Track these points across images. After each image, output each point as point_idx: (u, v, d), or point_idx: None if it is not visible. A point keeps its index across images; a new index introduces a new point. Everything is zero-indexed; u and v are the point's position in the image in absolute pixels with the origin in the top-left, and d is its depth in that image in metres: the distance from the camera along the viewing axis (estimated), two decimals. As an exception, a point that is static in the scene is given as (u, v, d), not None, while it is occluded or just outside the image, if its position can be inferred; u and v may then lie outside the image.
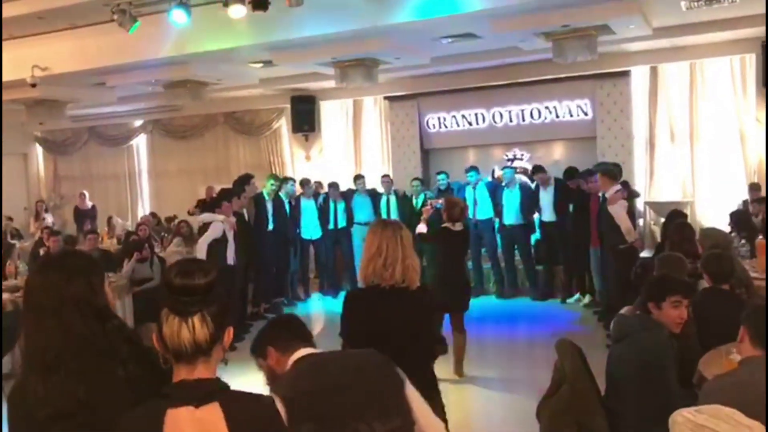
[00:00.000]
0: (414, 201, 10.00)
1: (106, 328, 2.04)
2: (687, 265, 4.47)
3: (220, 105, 12.39)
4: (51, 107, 10.53)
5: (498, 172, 10.71)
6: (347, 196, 10.38)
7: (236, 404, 1.73)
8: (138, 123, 14.10)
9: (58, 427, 1.90)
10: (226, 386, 1.77)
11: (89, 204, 13.08)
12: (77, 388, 1.91)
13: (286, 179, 10.13)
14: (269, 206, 9.32)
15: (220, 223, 7.35)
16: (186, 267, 1.75)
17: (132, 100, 11.87)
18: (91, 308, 2.04)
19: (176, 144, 13.70)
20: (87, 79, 9.62)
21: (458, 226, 6.09)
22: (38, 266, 2.21)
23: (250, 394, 1.81)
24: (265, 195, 9.38)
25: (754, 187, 9.00)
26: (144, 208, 14.08)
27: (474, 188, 9.78)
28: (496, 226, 9.79)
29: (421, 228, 6.19)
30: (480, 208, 9.70)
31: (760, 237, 6.31)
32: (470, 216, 9.46)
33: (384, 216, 10.03)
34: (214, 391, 1.72)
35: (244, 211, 8.47)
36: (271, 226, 9.29)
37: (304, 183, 10.42)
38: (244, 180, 8.89)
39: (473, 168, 9.94)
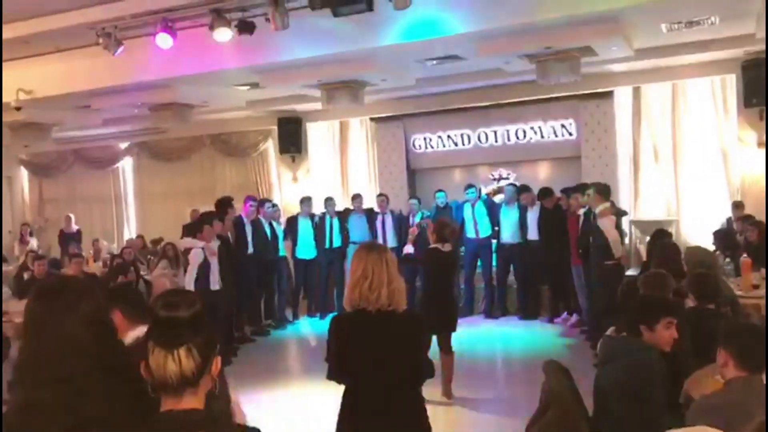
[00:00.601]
0: (410, 220, 9.97)
1: (116, 346, 2.05)
2: (672, 282, 4.48)
3: (206, 127, 12.38)
4: (36, 130, 10.49)
5: (485, 190, 10.78)
6: (343, 215, 10.35)
7: None
8: (124, 145, 14.06)
9: None
10: (213, 417, 1.76)
11: (75, 227, 12.98)
12: (88, 404, 1.90)
13: (263, 201, 10.06)
14: (248, 229, 9.26)
15: (199, 250, 7.27)
16: (171, 299, 1.75)
17: (117, 123, 11.85)
18: (103, 327, 2.07)
19: (162, 166, 13.66)
20: (72, 102, 9.60)
21: (447, 247, 6.10)
22: (39, 292, 2.19)
23: (238, 427, 1.83)
24: (244, 218, 9.32)
25: (737, 205, 9.09)
26: (130, 231, 14.00)
27: (473, 206, 9.79)
28: (494, 245, 9.79)
29: (408, 249, 6.19)
30: (480, 226, 9.69)
31: (744, 256, 6.36)
32: (471, 235, 9.52)
33: (380, 235, 10.02)
34: (200, 421, 1.71)
35: (229, 234, 8.41)
36: (251, 249, 9.22)
37: (303, 201, 10.38)
38: (226, 203, 8.86)
39: (471, 186, 9.94)
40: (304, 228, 10.12)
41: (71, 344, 1.97)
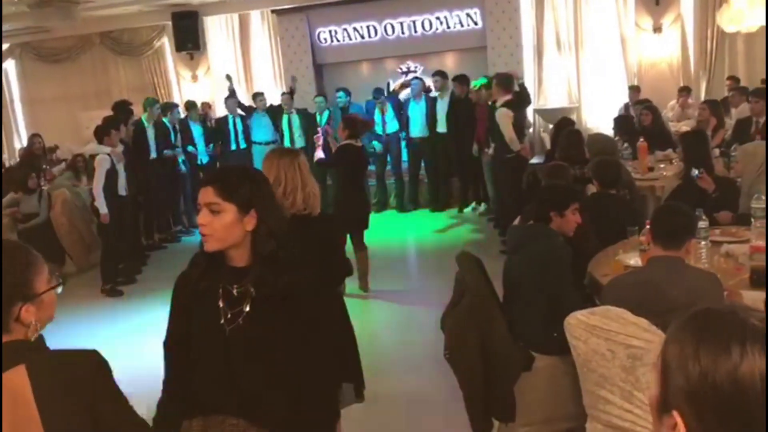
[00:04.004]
0: (318, 118, 9.74)
1: None
2: (570, 172, 4.68)
3: (94, 24, 11.53)
4: None
5: (393, 85, 10.69)
6: (244, 115, 10.00)
7: (46, 365, 1.54)
8: (4, 47, 12.95)
9: None
10: (38, 346, 1.58)
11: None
12: None
13: (170, 105, 9.53)
14: (150, 133, 8.81)
15: (106, 156, 6.88)
16: None
17: (-6, 22, 10.85)
18: None
19: (50, 68, 12.74)
20: (-62, 0, 8.68)
21: (359, 143, 6.09)
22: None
23: (69, 352, 1.61)
24: (144, 121, 8.87)
25: (633, 89, 9.42)
26: (20, 140, 13.16)
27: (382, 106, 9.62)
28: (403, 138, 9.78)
29: (319, 154, 6.10)
30: (387, 120, 9.60)
31: (641, 140, 6.64)
32: (379, 131, 9.47)
33: (287, 134, 9.78)
34: (20, 351, 1.54)
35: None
36: (154, 155, 8.84)
37: (190, 106, 9.95)
38: (124, 106, 8.40)
39: (378, 90, 9.69)
40: (196, 132, 9.72)
41: None
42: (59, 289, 1.68)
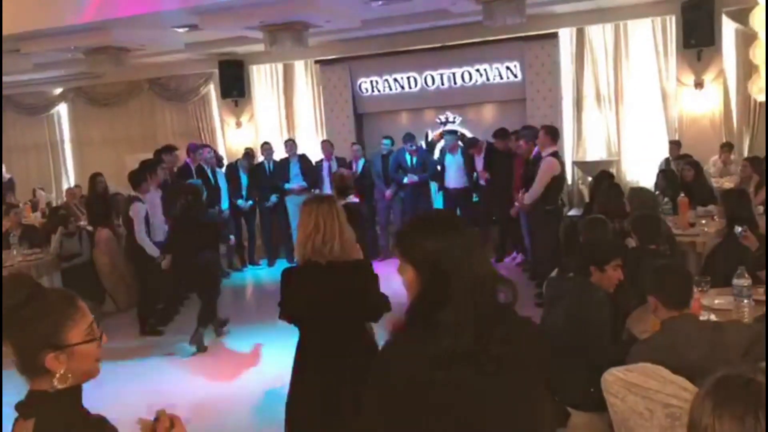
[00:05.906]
0: (354, 166, 9.87)
1: None
2: (610, 226, 4.65)
3: (144, 71, 11.96)
4: (-40, 75, 9.95)
5: (431, 135, 10.78)
6: (277, 161, 10.16)
7: (52, 426, 1.56)
8: (58, 91, 13.49)
9: None
10: (61, 402, 1.59)
11: (7, 176, 12.46)
12: None
13: (202, 146, 9.61)
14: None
15: (141, 204, 6.94)
16: None
17: (50, 67, 11.30)
18: None
19: (99, 112, 13.19)
20: None
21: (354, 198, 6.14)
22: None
23: (77, 415, 1.62)
24: (190, 164, 9.04)
25: (674, 144, 9.34)
26: (68, 180, 13.57)
27: (411, 154, 9.71)
28: (433, 190, 9.80)
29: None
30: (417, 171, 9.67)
31: (682, 195, 6.56)
32: (404, 179, 9.53)
33: (326, 182, 9.90)
34: (37, 404, 1.58)
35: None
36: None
37: (246, 154, 10.30)
38: (166, 150, 8.62)
39: (409, 134, 9.80)
40: (243, 180, 9.96)
41: None
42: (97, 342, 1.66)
